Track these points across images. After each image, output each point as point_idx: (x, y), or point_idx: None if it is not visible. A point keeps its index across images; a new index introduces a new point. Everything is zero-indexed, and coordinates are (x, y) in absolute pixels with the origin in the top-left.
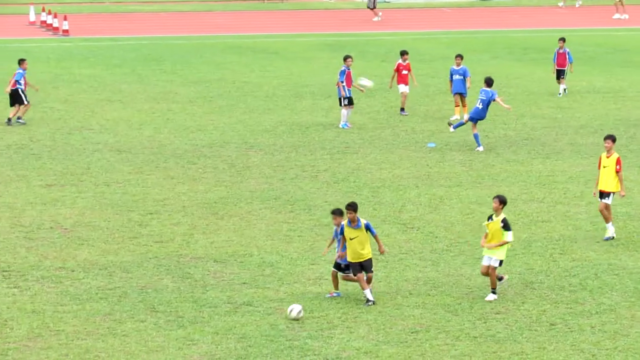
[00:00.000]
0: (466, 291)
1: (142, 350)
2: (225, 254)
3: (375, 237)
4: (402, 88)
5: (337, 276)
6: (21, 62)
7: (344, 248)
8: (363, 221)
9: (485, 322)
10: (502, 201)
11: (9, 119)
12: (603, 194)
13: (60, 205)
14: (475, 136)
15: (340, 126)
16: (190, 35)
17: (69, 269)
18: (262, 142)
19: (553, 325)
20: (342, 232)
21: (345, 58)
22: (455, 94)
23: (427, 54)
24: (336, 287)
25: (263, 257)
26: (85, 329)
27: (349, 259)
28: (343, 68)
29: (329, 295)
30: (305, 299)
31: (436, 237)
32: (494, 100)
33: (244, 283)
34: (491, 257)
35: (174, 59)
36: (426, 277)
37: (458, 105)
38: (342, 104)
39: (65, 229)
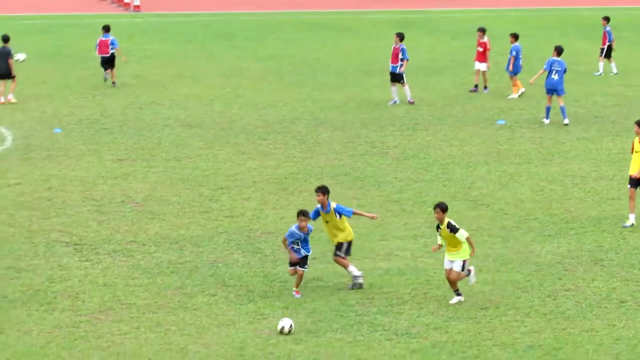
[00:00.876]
0: (535, 268)
1: (212, 324)
2: None
3: (355, 213)
4: (478, 65)
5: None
6: (108, 28)
7: None
8: (333, 205)
9: (554, 299)
10: (443, 209)
11: (114, 82)
12: (634, 180)
13: (132, 179)
14: (547, 109)
15: (391, 103)
16: (261, 12)
17: (140, 242)
18: (332, 118)
19: (623, 302)
20: (315, 216)
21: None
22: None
23: (496, 31)
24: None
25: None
26: (156, 302)
27: (332, 241)
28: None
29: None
30: (375, 275)
31: (506, 214)
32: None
33: (314, 258)
34: (452, 261)
35: (245, 35)
36: (495, 253)
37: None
38: (398, 80)
39: (137, 203)
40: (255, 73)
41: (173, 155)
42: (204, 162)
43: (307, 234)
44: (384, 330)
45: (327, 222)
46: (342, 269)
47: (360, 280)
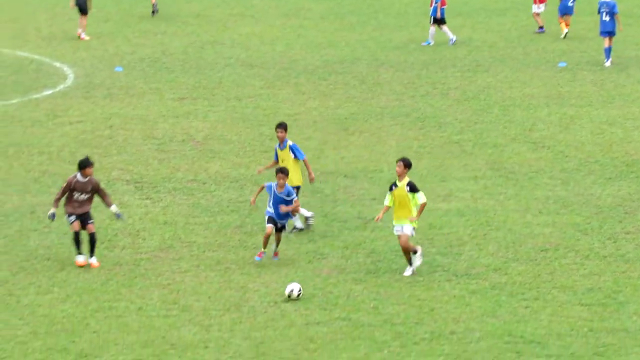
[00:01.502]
0: (596, 210)
1: (272, 263)
2: (356, 170)
3: (304, 161)
4: (536, 8)
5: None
6: None
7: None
8: (289, 143)
9: (615, 242)
10: (407, 164)
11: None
12: None
13: (193, 118)
14: (606, 51)
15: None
16: None
17: (200, 181)
18: (392, 59)
19: None
20: (276, 157)
21: None
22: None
23: None
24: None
25: (393, 173)
26: (217, 240)
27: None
28: None
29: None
30: (435, 216)
31: (566, 156)
32: (616, 13)
33: (374, 199)
34: (402, 226)
35: None
36: (556, 195)
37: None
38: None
39: (197, 141)
40: (317, 13)
41: (234, 95)
42: (265, 101)
43: (284, 197)
44: (444, 271)
45: (282, 160)
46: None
47: (311, 221)
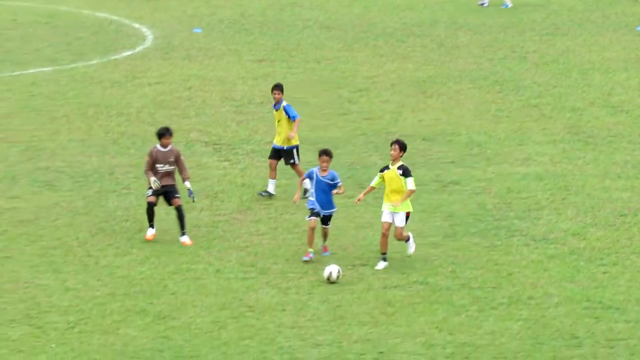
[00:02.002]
0: None
1: (349, 226)
2: (433, 133)
3: (295, 121)
4: None
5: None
6: None
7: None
8: (284, 103)
9: None
10: (402, 147)
11: None
12: None
13: (271, 80)
14: None
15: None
16: None
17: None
18: (471, 21)
19: None
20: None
21: None
22: None
23: None
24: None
25: (471, 137)
26: (295, 203)
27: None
28: None
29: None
30: (513, 180)
31: None
32: None
33: (452, 162)
34: (395, 214)
35: None
36: (635, 160)
37: None
38: None
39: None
40: None
41: (312, 57)
42: (343, 64)
43: (328, 181)
44: (522, 235)
45: (278, 120)
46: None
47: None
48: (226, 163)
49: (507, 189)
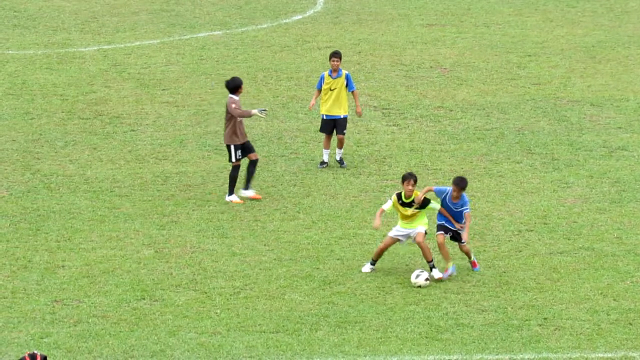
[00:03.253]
0: None
1: (517, 191)
2: (602, 98)
3: (353, 93)
4: None
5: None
6: None
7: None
8: (344, 71)
9: None
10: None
11: None
12: None
13: (441, 45)
14: None
15: None
16: None
17: (447, 108)
18: None
19: None
20: (320, 84)
21: None
22: None
23: None
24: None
25: (639, 102)
26: (462, 168)
27: (324, 111)
28: None
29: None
30: None
31: None
32: None
33: (619, 127)
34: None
35: None
36: None
37: None
38: None
39: (445, 68)
40: None
41: (482, 21)
42: (513, 28)
43: (457, 208)
44: None
45: (332, 89)
46: None
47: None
48: (394, 127)
49: None
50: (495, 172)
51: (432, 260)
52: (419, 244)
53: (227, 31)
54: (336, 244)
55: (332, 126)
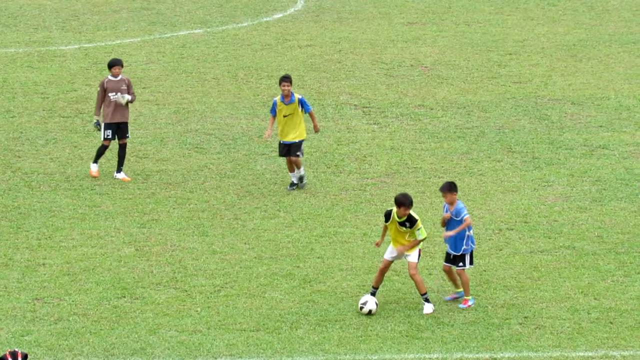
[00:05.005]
0: None
1: (497, 190)
2: (583, 97)
3: (310, 113)
4: None
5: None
6: None
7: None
8: (297, 95)
9: None
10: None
11: None
12: None
13: (421, 43)
14: None
15: None
16: None
17: (427, 106)
18: None
19: None
20: (274, 111)
21: None
22: None
23: None
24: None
25: (620, 101)
26: (442, 167)
27: (281, 137)
28: None
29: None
30: None
31: None
32: None
33: (601, 126)
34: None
35: None
36: None
37: None
38: None
39: (425, 67)
40: None
41: (463, 20)
42: (493, 27)
43: (453, 216)
44: None
45: (285, 115)
46: None
47: (305, 180)
48: (375, 126)
49: None
50: (476, 171)
51: (425, 294)
52: (411, 277)
53: (208, 29)
54: (316, 243)
55: (289, 150)
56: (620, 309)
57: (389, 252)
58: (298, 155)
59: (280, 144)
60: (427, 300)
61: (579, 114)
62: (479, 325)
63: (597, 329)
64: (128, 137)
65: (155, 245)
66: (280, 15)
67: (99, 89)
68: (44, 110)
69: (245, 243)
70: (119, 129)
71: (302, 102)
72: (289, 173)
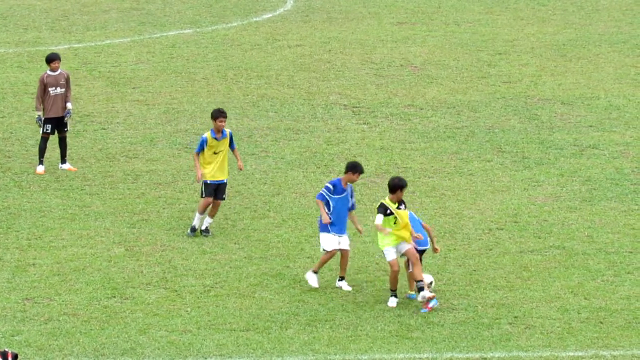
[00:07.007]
0: None
1: (487, 190)
2: (573, 96)
3: (234, 151)
4: None
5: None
6: None
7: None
8: (228, 130)
9: None
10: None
11: None
12: None
13: (411, 43)
14: None
15: None
16: None
17: (417, 106)
18: None
19: None
20: (201, 148)
21: None
22: None
23: None
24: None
25: (610, 100)
26: (432, 166)
27: (209, 177)
28: None
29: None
30: None
31: None
32: None
33: (590, 126)
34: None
35: None
36: None
37: None
38: None
39: (415, 66)
40: None
41: (452, 20)
42: (483, 26)
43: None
44: None
45: (216, 152)
46: None
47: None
48: (365, 126)
49: None
50: (466, 171)
51: (422, 280)
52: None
53: (198, 29)
54: (306, 242)
55: (217, 191)
56: (610, 308)
57: (395, 252)
58: (224, 198)
59: (206, 183)
60: (422, 288)
61: (568, 113)
62: (468, 325)
63: (587, 328)
64: (67, 130)
65: (145, 245)
66: (270, 15)
67: (38, 84)
68: (33, 110)
69: (235, 243)
70: (59, 123)
71: (231, 137)
72: (207, 217)
